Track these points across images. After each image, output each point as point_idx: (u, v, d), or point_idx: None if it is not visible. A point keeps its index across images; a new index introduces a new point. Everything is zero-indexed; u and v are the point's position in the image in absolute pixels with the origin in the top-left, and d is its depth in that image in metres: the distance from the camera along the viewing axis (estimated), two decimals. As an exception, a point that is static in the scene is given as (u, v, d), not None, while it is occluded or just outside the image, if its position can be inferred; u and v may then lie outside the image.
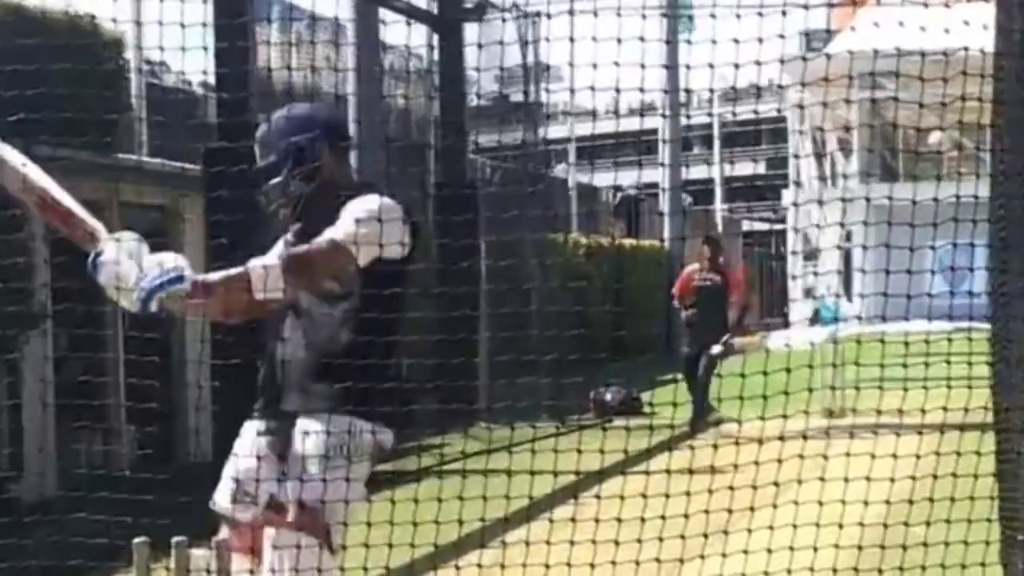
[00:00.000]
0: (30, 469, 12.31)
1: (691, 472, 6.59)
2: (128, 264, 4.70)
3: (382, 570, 6.33)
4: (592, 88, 6.64)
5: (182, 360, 14.58)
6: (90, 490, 7.99)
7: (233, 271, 4.86)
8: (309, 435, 5.10)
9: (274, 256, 5.09)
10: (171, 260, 4.72)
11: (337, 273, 5.07)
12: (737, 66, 6.45)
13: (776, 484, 6.61)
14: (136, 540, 5.93)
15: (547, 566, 6.33)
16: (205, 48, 8.17)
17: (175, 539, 5.87)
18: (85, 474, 10.84)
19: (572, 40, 6.53)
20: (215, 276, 4.85)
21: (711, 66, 6.64)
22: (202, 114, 15.80)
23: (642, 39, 6.52)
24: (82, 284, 4.95)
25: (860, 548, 6.59)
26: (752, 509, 6.49)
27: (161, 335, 13.27)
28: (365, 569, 6.22)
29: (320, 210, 5.13)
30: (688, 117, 43.67)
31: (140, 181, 14.49)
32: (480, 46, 9.09)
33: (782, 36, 6.55)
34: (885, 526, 6.65)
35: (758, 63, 6.39)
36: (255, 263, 4.88)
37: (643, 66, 6.64)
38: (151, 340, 11.66)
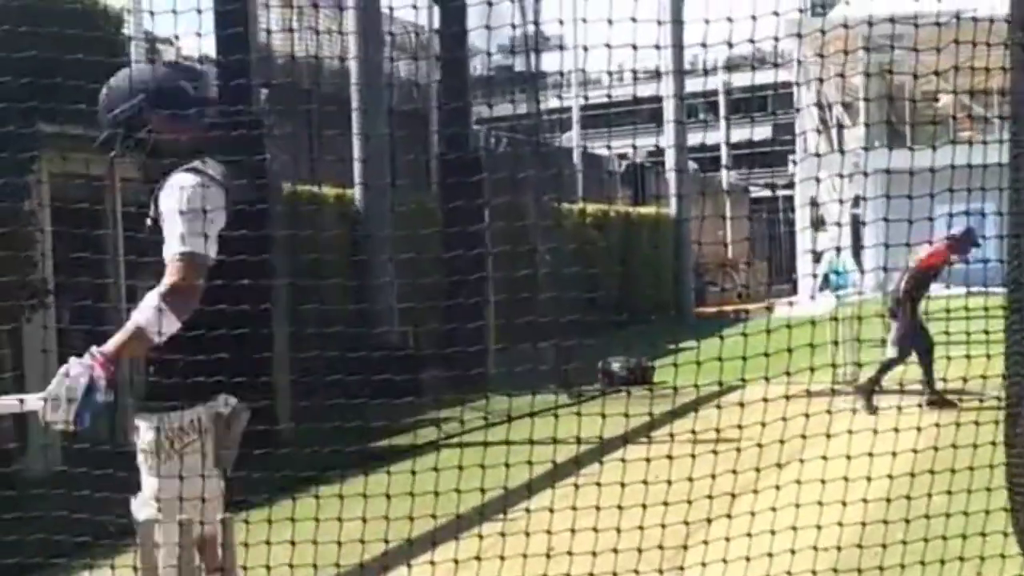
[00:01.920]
0: (34, 443, 12.29)
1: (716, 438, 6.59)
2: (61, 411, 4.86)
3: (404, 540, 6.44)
4: (586, 50, 6.59)
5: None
6: (96, 468, 7.97)
7: (125, 331, 4.93)
8: None
9: (153, 294, 4.97)
10: (63, 385, 4.83)
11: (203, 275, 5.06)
12: (752, 40, 6.40)
13: (804, 437, 6.59)
14: (142, 518, 5.91)
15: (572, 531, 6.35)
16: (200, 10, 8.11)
17: (179, 516, 5.85)
18: (89, 452, 10.77)
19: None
20: (111, 346, 4.90)
21: (726, 33, 6.57)
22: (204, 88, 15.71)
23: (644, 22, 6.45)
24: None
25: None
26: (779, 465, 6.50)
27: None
28: (386, 542, 6.35)
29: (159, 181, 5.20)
30: (705, 78, 43.64)
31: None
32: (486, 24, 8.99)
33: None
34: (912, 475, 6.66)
35: (771, 37, 6.34)
36: (139, 316, 4.91)
37: (658, 23, 6.56)
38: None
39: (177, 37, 14.95)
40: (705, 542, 6.45)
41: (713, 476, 6.43)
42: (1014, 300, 6.25)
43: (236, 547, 5.46)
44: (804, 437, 6.62)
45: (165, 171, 5.19)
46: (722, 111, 50.00)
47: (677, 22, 24.40)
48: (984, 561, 6.48)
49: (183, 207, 5.04)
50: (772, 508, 6.47)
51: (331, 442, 8.37)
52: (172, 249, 5.00)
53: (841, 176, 7.41)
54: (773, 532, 6.35)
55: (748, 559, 6.26)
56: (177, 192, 5.09)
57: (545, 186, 22.10)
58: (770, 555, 6.27)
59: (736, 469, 6.53)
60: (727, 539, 6.32)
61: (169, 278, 4.96)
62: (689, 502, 6.41)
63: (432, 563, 6.94)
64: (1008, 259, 6.32)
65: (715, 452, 6.48)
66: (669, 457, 6.54)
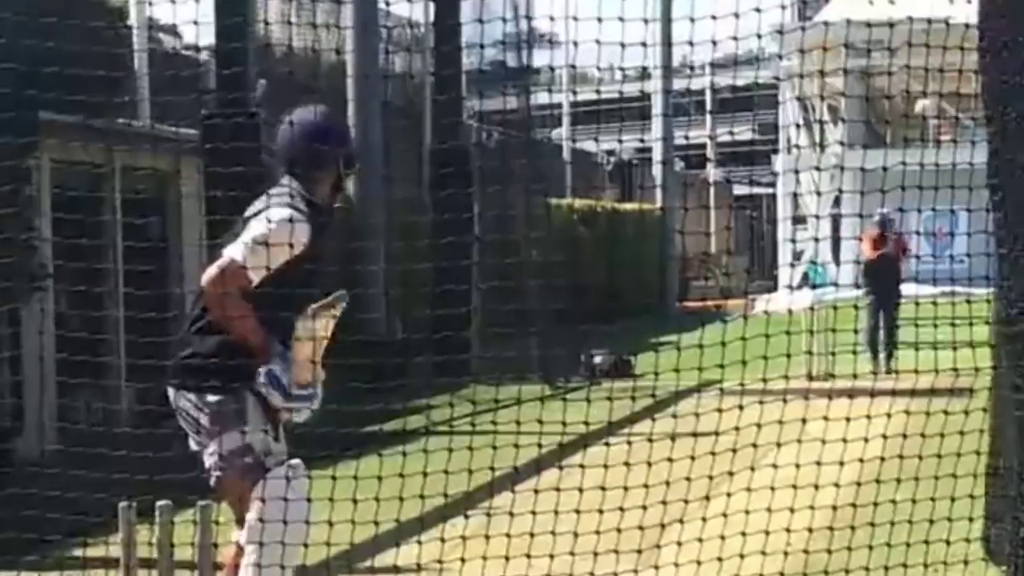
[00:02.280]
0: (30, 424, 12.43)
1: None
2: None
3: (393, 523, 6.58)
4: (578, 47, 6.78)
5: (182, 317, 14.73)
6: (87, 452, 8.14)
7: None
8: None
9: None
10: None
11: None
12: (736, 39, 6.60)
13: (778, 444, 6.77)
14: (121, 504, 6.15)
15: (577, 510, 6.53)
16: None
17: (159, 503, 6.13)
18: (82, 436, 10.95)
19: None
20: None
21: (712, 41, 6.79)
22: (203, 80, 15.89)
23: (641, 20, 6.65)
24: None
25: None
26: (753, 469, 6.67)
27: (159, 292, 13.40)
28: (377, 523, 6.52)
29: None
30: (690, 78, 43.75)
31: (140, 146, 14.60)
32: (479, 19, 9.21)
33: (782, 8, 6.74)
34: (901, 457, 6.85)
35: (758, 36, 6.57)
36: None
37: (645, 22, 6.77)
38: (150, 297, 11.81)
39: (176, 27, 15.17)
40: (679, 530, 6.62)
41: (687, 475, 6.59)
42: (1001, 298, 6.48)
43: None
44: (781, 423, 6.79)
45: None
46: (708, 107, 50.19)
47: (666, 20, 24.60)
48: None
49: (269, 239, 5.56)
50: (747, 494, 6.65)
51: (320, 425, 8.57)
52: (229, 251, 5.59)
53: (818, 169, 7.65)
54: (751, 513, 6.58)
55: (719, 559, 6.43)
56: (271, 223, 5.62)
57: (534, 180, 22.29)
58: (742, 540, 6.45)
59: (709, 465, 6.63)
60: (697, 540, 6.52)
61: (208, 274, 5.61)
62: (668, 483, 6.57)
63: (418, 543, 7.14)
64: (998, 252, 6.54)
65: (695, 443, 6.67)
66: (625, 465, 6.62)
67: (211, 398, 5.71)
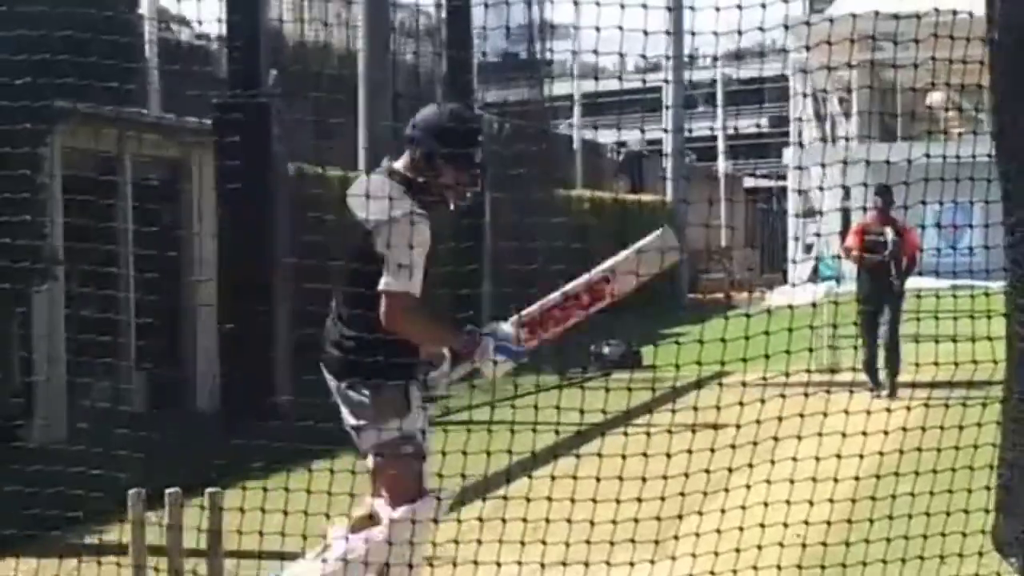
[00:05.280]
0: (39, 413, 12.48)
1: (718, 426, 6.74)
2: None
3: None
4: (596, 51, 6.82)
5: (191, 310, 14.80)
6: (97, 439, 8.18)
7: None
8: None
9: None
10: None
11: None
12: (740, 32, 6.61)
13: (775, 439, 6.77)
14: (131, 491, 6.19)
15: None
16: None
17: (168, 491, 6.15)
18: (94, 420, 10.99)
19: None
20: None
21: (715, 33, 6.80)
22: (215, 68, 15.93)
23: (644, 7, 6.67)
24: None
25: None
26: (751, 466, 6.67)
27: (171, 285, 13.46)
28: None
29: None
30: (691, 70, 43.68)
31: (152, 134, 14.65)
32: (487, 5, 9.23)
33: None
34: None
35: (785, 27, 6.57)
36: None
37: (646, 32, 6.78)
38: (161, 287, 11.88)
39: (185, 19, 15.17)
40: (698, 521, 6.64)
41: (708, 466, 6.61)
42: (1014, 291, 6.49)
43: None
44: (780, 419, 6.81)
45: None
46: (719, 100, 50.17)
47: (677, 9, 24.60)
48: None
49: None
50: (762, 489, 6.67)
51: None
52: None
53: (824, 165, 7.65)
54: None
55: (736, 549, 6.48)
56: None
57: (544, 170, 22.30)
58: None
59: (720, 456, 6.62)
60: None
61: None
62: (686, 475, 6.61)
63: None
64: (1006, 246, 6.55)
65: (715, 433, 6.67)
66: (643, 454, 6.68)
67: (374, 390, 5.87)
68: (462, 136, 6.00)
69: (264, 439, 9.01)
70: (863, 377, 14.89)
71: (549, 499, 6.38)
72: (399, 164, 6.00)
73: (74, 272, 13.16)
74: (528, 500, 6.42)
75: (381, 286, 5.71)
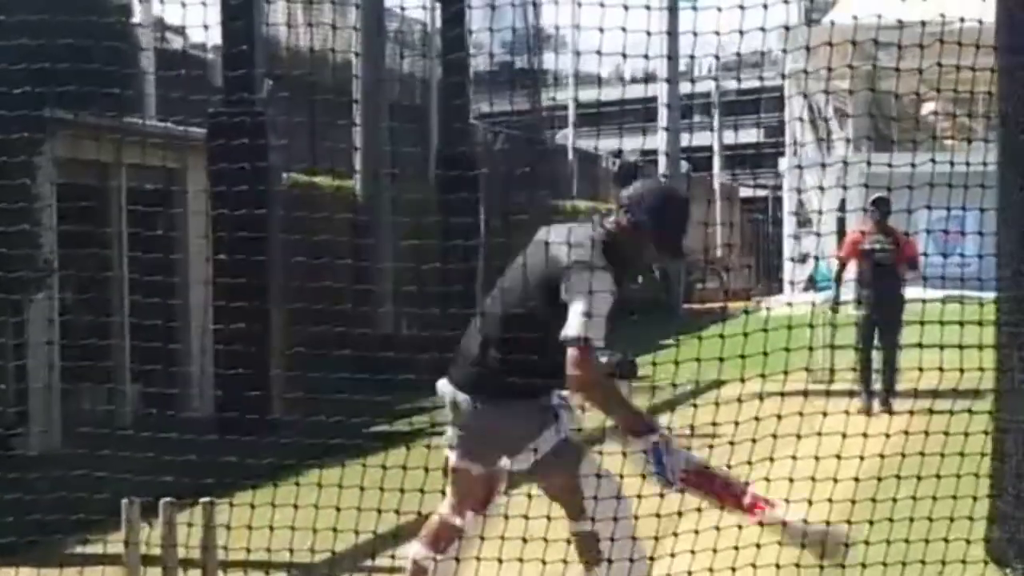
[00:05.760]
0: (35, 423, 12.46)
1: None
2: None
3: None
4: (598, 53, 6.84)
5: (187, 318, 14.79)
6: (93, 447, 8.17)
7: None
8: None
9: None
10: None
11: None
12: (742, 33, 6.63)
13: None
14: (125, 500, 6.18)
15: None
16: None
17: (163, 500, 6.15)
18: (88, 431, 11.00)
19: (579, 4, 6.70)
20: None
21: (716, 33, 6.81)
22: (211, 77, 15.93)
23: (647, 8, 6.69)
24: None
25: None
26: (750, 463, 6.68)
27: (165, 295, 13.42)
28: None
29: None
30: (692, 83, 43.72)
31: (146, 144, 14.64)
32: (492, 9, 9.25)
33: (786, 1, 6.76)
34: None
35: (762, 30, 6.59)
36: None
37: (648, 33, 6.80)
38: (155, 302, 11.87)
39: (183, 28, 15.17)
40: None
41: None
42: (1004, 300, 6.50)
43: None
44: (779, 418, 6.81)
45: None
46: (716, 112, 50.22)
47: (671, 33, 24.53)
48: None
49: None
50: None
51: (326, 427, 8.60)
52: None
53: (824, 166, 7.64)
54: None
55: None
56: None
57: (540, 181, 22.31)
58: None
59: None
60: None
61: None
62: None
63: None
64: (998, 257, 6.56)
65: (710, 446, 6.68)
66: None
67: (520, 405, 6.03)
68: (677, 224, 6.20)
69: (260, 448, 9.02)
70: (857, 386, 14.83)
71: (500, 516, 6.39)
72: (608, 223, 6.15)
73: (69, 280, 13.15)
74: (529, 497, 6.44)
75: (571, 332, 5.83)
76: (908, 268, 14.87)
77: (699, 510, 6.50)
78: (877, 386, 15.02)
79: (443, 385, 6.21)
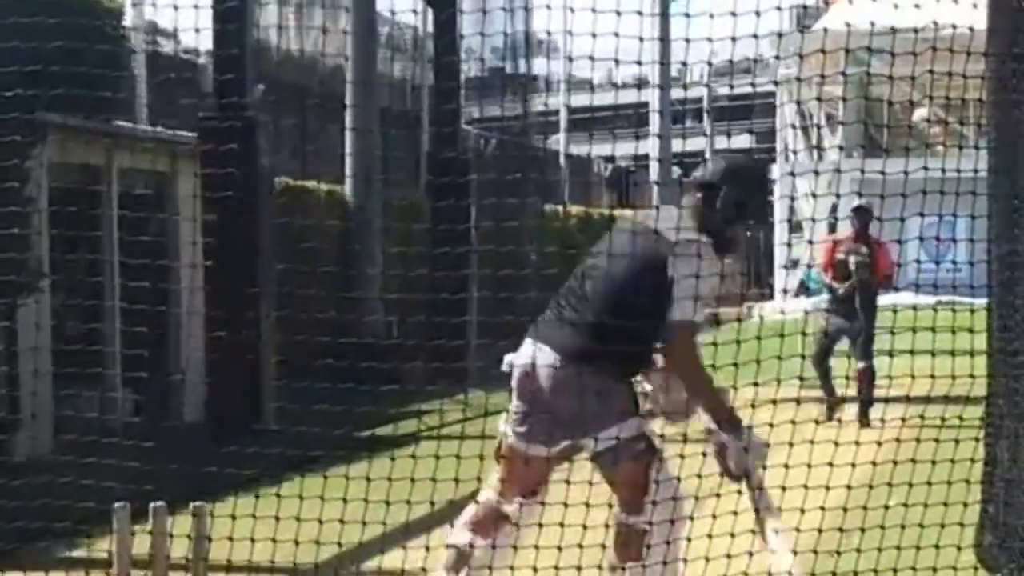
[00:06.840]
0: (24, 428, 12.42)
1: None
2: None
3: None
4: (590, 58, 6.84)
5: (178, 323, 14.76)
6: (83, 452, 8.16)
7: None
8: None
9: None
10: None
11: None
12: (734, 39, 6.63)
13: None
14: (116, 504, 6.16)
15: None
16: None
17: (153, 504, 6.14)
18: (78, 435, 10.98)
19: (571, 10, 6.70)
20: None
21: (709, 40, 6.82)
22: (202, 81, 15.92)
23: (639, 13, 6.70)
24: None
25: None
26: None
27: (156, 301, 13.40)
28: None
29: None
30: (684, 88, 43.80)
31: (137, 147, 14.62)
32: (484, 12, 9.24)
33: (779, 8, 6.77)
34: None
35: (755, 36, 6.60)
36: None
37: (641, 39, 6.80)
38: (145, 308, 11.84)
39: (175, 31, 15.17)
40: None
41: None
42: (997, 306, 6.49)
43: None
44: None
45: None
46: (706, 119, 50.26)
47: (663, 40, 24.54)
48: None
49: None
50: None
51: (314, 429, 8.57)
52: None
53: (817, 173, 7.64)
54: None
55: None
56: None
57: (531, 187, 22.30)
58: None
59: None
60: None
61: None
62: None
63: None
64: (990, 263, 6.56)
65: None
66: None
67: (618, 385, 6.06)
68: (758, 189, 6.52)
69: (250, 453, 9.00)
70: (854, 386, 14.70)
71: (542, 504, 6.38)
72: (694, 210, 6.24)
73: (60, 284, 13.11)
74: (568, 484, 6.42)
75: (682, 314, 5.89)
76: (881, 287, 14.70)
77: (691, 518, 6.47)
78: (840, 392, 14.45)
79: (525, 347, 6.20)
